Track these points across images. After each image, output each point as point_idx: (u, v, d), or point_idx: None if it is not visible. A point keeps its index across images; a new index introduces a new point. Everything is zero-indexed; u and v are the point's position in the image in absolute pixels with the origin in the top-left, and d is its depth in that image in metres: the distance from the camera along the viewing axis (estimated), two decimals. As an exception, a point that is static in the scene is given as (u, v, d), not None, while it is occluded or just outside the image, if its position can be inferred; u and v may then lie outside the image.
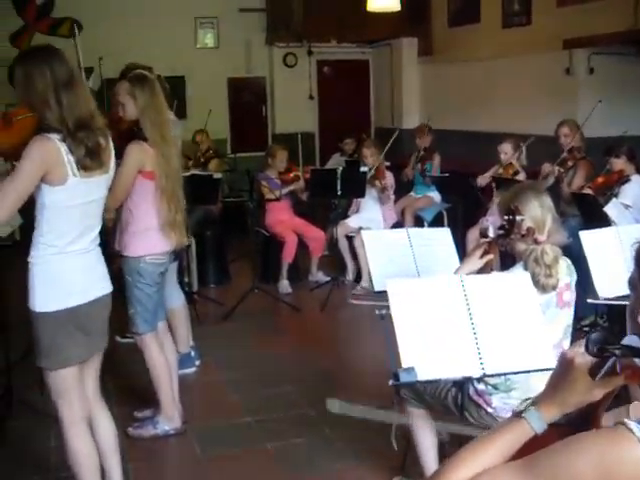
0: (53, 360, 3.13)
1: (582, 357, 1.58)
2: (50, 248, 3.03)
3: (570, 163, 6.66)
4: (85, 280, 3.15)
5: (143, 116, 4.12)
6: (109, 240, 4.25)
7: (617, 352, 1.53)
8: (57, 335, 3.08)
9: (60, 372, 3.15)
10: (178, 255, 4.83)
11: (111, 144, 3.21)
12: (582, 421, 1.73)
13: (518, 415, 1.65)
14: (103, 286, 3.26)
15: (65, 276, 3.08)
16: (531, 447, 1.62)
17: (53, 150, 2.91)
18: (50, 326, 3.08)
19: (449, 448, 3.81)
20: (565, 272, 3.22)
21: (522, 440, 1.63)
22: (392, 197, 7.96)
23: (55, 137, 2.92)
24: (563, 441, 1.49)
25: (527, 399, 1.69)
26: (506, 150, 7.20)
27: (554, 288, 3.14)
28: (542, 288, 3.10)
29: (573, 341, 3.28)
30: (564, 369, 1.62)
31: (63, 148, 2.93)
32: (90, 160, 2.99)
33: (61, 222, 3.03)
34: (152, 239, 4.21)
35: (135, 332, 4.34)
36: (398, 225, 7.88)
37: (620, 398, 1.74)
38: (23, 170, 2.88)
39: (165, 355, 4.43)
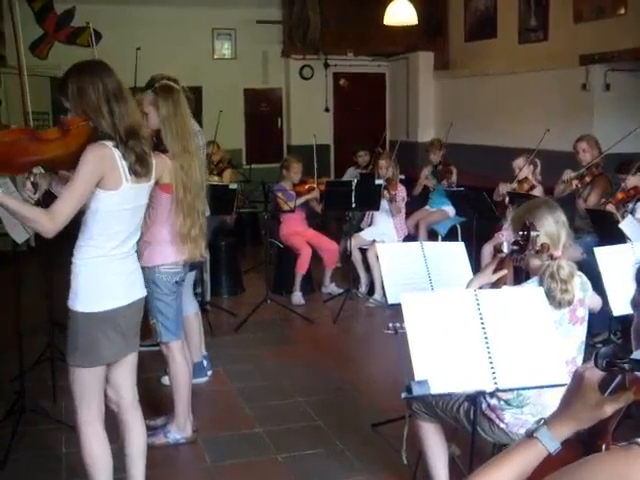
0: (88, 358, 3.20)
1: (592, 371, 1.57)
2: (97, 250, 3.14)
3: (588, 179, 6.66)
4: (125, 283, 3.26)
5: (164, 127, 4.12)
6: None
7: (626, 366, 1.52)
8: (95, 335, 3.17)
9: (89, 371, 3.21)
10: (195, 266, 4.83)
11: (152, 154, 3.32)
12: (592, 437, 1.72)
13: (530, 435, 1.63)
14: (139, 290, 3.38)
15: (108, 278, 3.19)
16: (544, 465, 1.61)
17: (109, 155, 3.05)
18: (90, 326, 3.17)
19: (460, 462, 3.81)
20: (579, 288, 3.22)
21: (536, 461, 1.62)
22: (403, 210, 7.96)
23: (110, 144, 3.07)
24: (577, 462, 1.47)
25: (541, 419, 1.67)
26: (519, 165, 7.21)
27: (570, 304, 3.12)
28: (558, 304, 3.09)
29: (586, 357, 3.26)
30: (575, 384, 1.61)
31: (117, 154, 3.07)
32: (140, 167, 3.14)
33: (112, 225, 3.15)
34: (165, 250, 4.22)
35: (160, 341, 4.37)
36: (411, 238, 7.88)
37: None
38: (81, 174, 2.99)
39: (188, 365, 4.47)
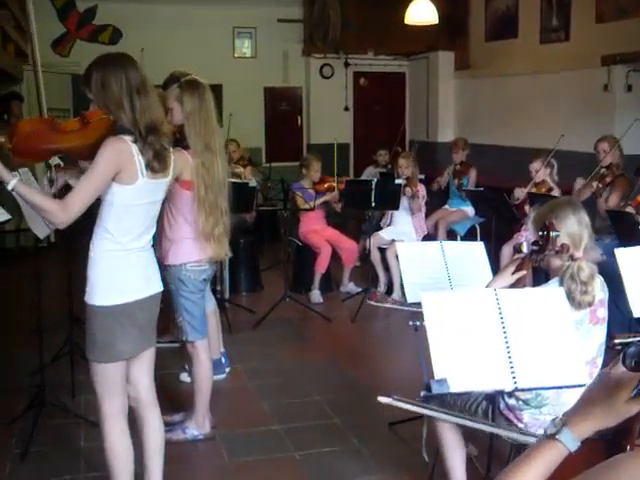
0: (106, 353, 3.21)
1: (619, 370, 1.56)
2: (113, 244, 3.15)
3: (609, 179, 6.62)
4: (142, 277, 3.26)
5: (188, 123, 4.12)
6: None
7: None
8: (113, 329, 3.18)
9: (109, 366, 3.23)
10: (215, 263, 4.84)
11: (171, 151, 3.32)
12: (616, 437, 1.71)
13: (552, 437, 1.60)
14: (156, 284, 3.37)
15: (125, 272, 3.19)
16: (565, 465, 1.60)
17: (126, 150, 3.05)
18: (107, 320, 3.18)
19: (477, 462, 3.80)
20: (599, 288, 3.20)
21: (557, 461, 1.60)
22: (423, 208, 7.95)
23: (128, 139, 3.07)
24: (602, 464, 1.46)
25: (556, 417, 1.64)
26: (536, 168, 7.18)
27: (590, 305, 3.10)
28: (578, 305, 3.07)
29: (606, 358, 3.25)
30: (601, 381, 1.60)
31: (135, 149, 3.07)
32: (157, 163, 3.13)
33: (126, 219, 3.15)
34: (188, 247, 4.22)
35: (185, 340, 4.38)
36: (429, 238, 7.86)
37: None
38: (98, 168, 3.01)
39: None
